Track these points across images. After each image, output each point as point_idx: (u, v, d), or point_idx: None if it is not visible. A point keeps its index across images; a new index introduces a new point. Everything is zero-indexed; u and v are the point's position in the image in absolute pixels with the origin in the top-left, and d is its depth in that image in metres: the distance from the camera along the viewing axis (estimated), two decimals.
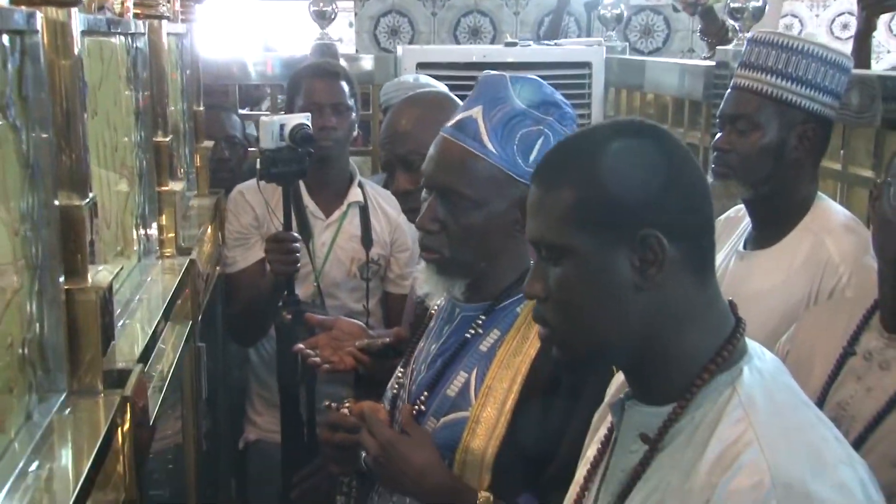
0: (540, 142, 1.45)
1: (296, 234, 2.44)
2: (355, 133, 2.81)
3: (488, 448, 1.41)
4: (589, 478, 1.18)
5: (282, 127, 2.33)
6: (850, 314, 1.59)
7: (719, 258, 2.08)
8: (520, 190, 1.43)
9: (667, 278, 1.03)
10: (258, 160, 2.41)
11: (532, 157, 1.44)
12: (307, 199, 2.69)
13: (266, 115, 3.23)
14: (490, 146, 1.45)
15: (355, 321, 2.06)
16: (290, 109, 2.73)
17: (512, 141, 1.44)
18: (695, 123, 3.21)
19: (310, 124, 2.38)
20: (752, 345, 1.11)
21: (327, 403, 1.67)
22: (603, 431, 1.20)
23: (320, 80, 2.68)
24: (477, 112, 1.47)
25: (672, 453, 1.05)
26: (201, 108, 2.93)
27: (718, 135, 2.02)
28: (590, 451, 1.21)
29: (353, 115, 2.71)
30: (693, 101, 3.23)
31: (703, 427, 1.03)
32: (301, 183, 2.68)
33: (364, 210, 2.73)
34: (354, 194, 2.73)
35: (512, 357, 1.44)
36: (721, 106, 2.04)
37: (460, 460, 1.45)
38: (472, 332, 1.51)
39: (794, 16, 7.02)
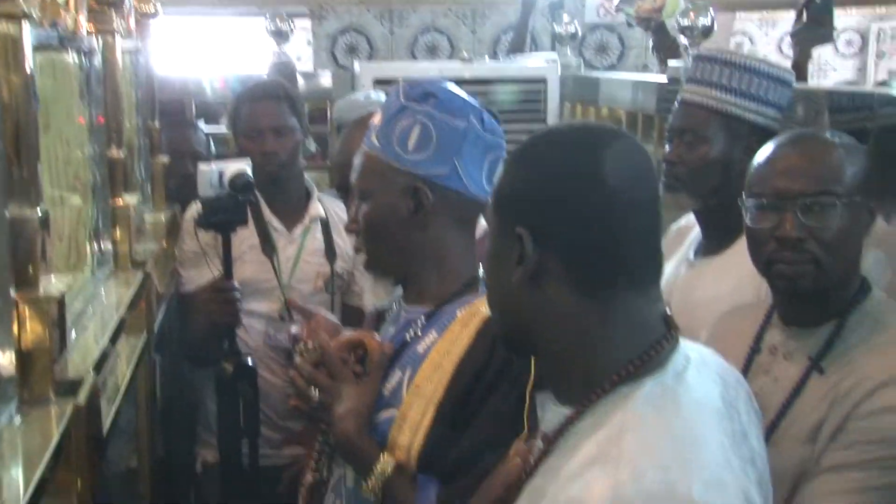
0: (416, 130, 1.51)
1: (235, 284, 2.40)
2: (314, 149, 2.81)
3: (413, 443, 1.45)
4: None
5: (220, 175, 2.30)
6: (754, 318, 1.65)
7: (670, 267, 2.12)
8: (403, 179, 1.50)
9: (546, 285, 1.04)
10: (196, 208, 2.36)
11: (410, 146, 1.51)
12: (269, 215, 2.69)
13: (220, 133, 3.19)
14: (374, 141, 1.54)
15: (332, 318, 2.05)
16: (234, 132, 2.73)
17: (393, 133, 1.52)
18: (648, 137, 3.26)
19: (250, 172, 2.35)
20: (683, 359, 1.06)
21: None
22: None
23: (259, 103, 2.65)
24: (378, 117, 1.57)
25: (557, 457, 1.03)
26: (156, 124, 2.92)
27: (668, 147, 2.06)
28: None
29: (298, 134, 2.69)
30: (646, 115, 3.28)
31: (581, 436, 1.00)
32: (261, 199, 2.68)
33: (325, 225, 2.73)
34: (315, 209, 2.73)
35: (442, 357, 1.48)
36: (670, 120, 2.09)
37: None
38: (412, 334, 1.54)
39: (745, 34, 7.16)
